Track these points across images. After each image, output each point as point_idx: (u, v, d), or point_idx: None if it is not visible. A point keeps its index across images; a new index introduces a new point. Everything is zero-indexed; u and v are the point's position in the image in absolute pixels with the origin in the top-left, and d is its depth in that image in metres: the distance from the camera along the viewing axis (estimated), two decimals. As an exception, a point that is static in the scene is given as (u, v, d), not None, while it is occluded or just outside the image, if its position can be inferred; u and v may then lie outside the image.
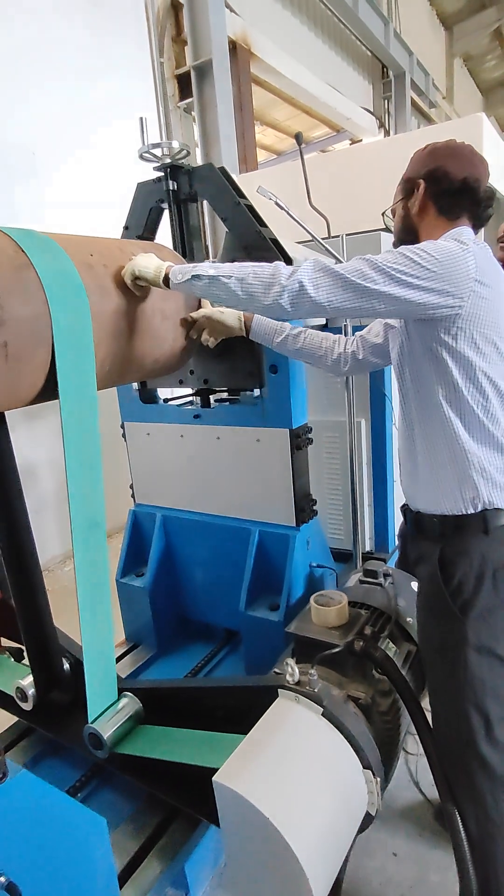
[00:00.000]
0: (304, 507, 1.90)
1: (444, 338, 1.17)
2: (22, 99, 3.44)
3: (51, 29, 3.62)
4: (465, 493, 1.22)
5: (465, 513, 1.22)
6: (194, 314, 1.57)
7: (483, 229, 1.43)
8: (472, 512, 1.22)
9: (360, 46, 7.81)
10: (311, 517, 1.94)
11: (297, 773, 1.18)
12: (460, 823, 1.28)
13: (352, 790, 1.24)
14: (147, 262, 1.30)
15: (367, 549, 2.57)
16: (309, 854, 1.09)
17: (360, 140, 8.76)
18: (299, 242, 2.31)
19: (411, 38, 8.93)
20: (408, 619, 1.65)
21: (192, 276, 1.22)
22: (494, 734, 1.25)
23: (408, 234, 1.35)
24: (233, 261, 1.73)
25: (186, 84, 4.57)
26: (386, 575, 1.80)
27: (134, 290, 1.35)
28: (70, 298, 1.23)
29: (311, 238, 2.03)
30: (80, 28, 3.80)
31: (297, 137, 2.35)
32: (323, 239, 2.09)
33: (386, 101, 8.76)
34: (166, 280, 1.28)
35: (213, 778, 1.14)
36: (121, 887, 1.31)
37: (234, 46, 5.23)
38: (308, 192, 2.19)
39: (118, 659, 2.22)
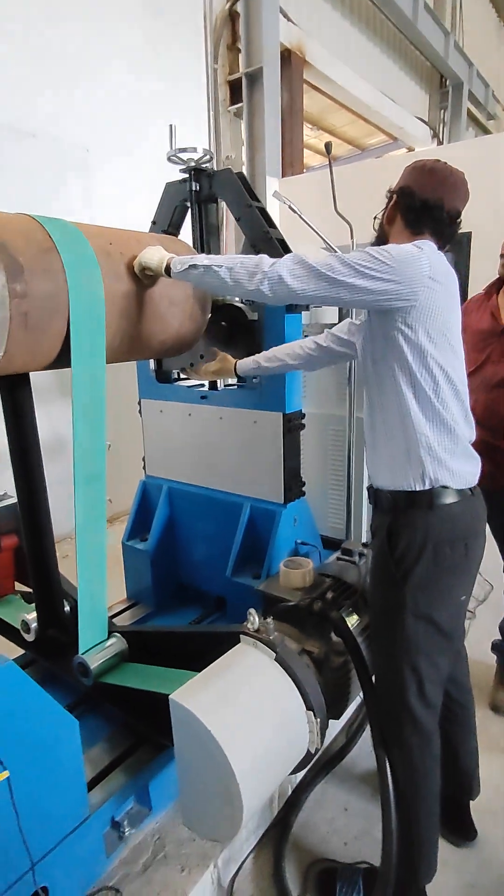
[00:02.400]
0: (293, 487, 2.07)
1: (402, 328, 1.31)
2: (79, 99, 3.72)
3: (110, 34, 3.89)
4: (415, 470, 1.36)
5: (414, 489, 1.37)
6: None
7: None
8: (420, 489, 1.36)
9: (418, 55, 7.85)
10: (298, 496, 2.10)
11: (244, 701, 1.35)
12: (388, 770, 1.42)
13: (293, 725, 1.40)
14: (152, 254, 1.50)
15: (364, 541, 2.71)
16: (244, 769, 1.26)
17: (414, 149, 8.81)
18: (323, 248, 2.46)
19: (474, 49, 8.90)
20: (373, 594, 1.79)
21: (189, 265, 1.41)
22: (425, 691, 1.40)
23: (379, 239, 1.50)
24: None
25: (237, 89, 4.78)
26: (361, 554, 1.95)
27: (143, 279, 1.55)
28: (87, 280, 1.44)
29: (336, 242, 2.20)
30: (139, 34, 4.06)
31: (327, 147, 2.52)
32: (345, 244, 2.24)
33: (442, 112, 8.76)
34: (168, 270, 1.47)
35: (170, 696, 1.33)
36: (89, 790, 1.51)
37: (288, 54, 5.41)
38: (334, 199, 2.34)
39: (119, 613, 2.44)
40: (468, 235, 3.93)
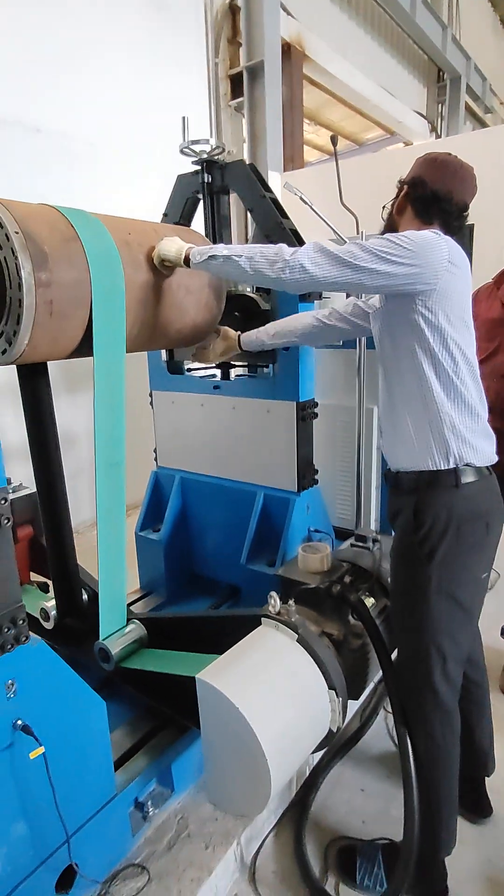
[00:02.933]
0: (306, 475, 2.10)
1: (423, 311, 1.34)
2: (84, 93, 3.73)
3: (113, 30, 3.89)
4: (440, 449, 1.38)
5: (439, 468, 1.39)
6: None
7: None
8: (445, 468, 1.38)
9: (416, 49, 7.86)
10: (311, 484, 2.13)
11: (269, 680, 1.38)
12: (410, 746, 1.46)
13: (316, 703, 1.43)
14: (169, 245, 1.52)
15: (373, 528, 2.74)
16: (271, 745, 1.29)
17: (412, 143, 8.83)
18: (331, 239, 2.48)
19: (471, 42, 8.91)
20: (389, 579, 1.83)
21: (209, 255, 1.43)
22: (447, 669, 1.43)
23: (388, 229, 1.53)
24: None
25: (238, 84, 4.79)
26: (375, 540, 1.99)
27: (161, 269, 1.57)
28: (108, 269, 1.46)
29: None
30: (142, 29, 4.07)
31: (333, 139, 2.54)
32: (352, 236, 2.27)
33: (440, 105, 8.78)
34: (187, 260, 1.49)
35: (197, 675, 1.36)
36: (114, 771, 1.54)
37: (288, 48, 5.41)
38: (340, 192, 2.36)
39: (133, 602, 2.47)
40: (471, 227, 3.96)
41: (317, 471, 2.16)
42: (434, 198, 1.41)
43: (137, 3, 4.05)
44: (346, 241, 2.26)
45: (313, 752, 1.55)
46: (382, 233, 1.54)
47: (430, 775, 1.45)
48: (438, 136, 8.79)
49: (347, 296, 2.52)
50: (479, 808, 1.75)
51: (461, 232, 1.47)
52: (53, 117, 3.58)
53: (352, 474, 2.64)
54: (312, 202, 2.28)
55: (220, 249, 1.42)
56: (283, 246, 1.37)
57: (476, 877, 1.62)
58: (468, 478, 1.39)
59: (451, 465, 1.38)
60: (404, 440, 1.45)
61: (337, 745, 2.04)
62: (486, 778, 1.78)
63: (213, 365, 2.33)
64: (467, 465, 1.39)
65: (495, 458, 1.47)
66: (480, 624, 2.28)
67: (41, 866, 1.28)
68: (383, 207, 1.56)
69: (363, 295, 1.76)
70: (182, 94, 4.51)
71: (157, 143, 3.99)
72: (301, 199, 2.16)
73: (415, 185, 1.44)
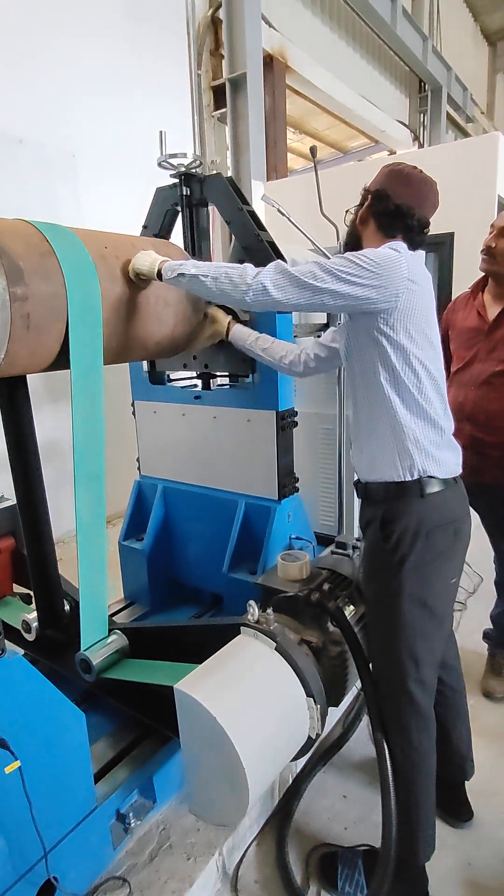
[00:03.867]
0: (286, 483, 2.11)
1: (384, 328, 1.36)
2: (65, 105, 3.75)
3: (95, 41, 3.92)
4: (404, 462, 1.41)
5: (404, 479, 1.42)
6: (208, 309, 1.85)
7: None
8: (410, 479, 1.41)
9: (398, 60, 7.99)
10: (292, 492, 2.15)
11: (247, 688, 1.40)
12: (387, 752, 1.47)
13: (294, 711, 1.45)
14: (144, 259, 1.54)
15: (356, 536, 2.76)
16: (249, 753, 1.30)
17: (395, 152, 8.95)
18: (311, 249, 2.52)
19: (452, 53, 9.07)
20: (367, 585, 1.85)
21: (178, 273, 1.45)
22: (422, 674, 1.45)
23: (352, 238, 1.55)
24: (240, 260, 1.97)
25: (221, 95, 4.84)
26: (354, 547, 2.00)
27: (137, 282, 1.59)
28: (84, 282, 1.47)
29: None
30: (123, 41, 4.10)
31: (312, 151, 2.58)
32: (331, 246, 2.29)
33: (422, 115, 8.92)
34: (160, 274, 1.51)
35: (175, 686, 1.37)
36: (95, 783, 1.54)
37: (270, 59, 5.49)
38: (320, 202, 2.39)
39: (116, 612, 2.46)
40: (451, 236, 4.03)
41: (297, 479, 2.18)
42: (397, 213, 1.44)
43: (119, 16, 4.09)
44: (324, 252, 2.31)
45: (293, 760, 1.55)
46: (346, 242, 1.57)
47: (408, 780, 1.47)
48: (421, 146, 8.92)
49: (329, 317, 2.55)
50: (459, 812, 1.77)
51: (423, 246, 1.50)
52: (35, 129, 3.59)
53: (333, 481, 2.67)
54: (295, 211, 2.31)
55: (189, 267, 1.44)
56: (248, 266, 1.39)
57: (456, 881, 1.63)
58: (433, 488, 1.42)
59: (416, 477, 1.41)
60: (371, 452, 1.47)
61: (319, 753, 2.05)
62: (466, 782, 1.79)
63: (195, 374, 2.35)
64: (431, 476, 1.42)
65: (459, 470, 1.50)
66: (462, 628, 2.30)
67: (20, 881, 1.28)
68: (347, 212, 1.58)
69: (341, 317, 1.79)
70: (166, 105, 4.55)
71: (139, 154, 4.03)
72: (279, 210, 2.20)
73: (379, 198, 1.47)
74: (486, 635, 2.50)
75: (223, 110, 4.87)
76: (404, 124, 8.60)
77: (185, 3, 4.56)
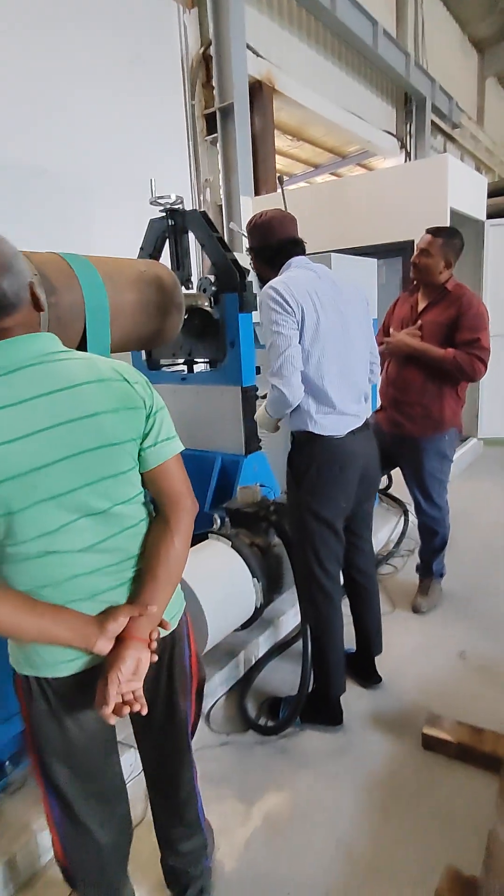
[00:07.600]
0: (251, 442, 2.77)
1: (302, 343, 1.94)
2: (80, 140, 4.42)
3: (105, 85, 4.59)
4: (304, 422, 1.99)
5: (301, 430, 2.02)
6: None
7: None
8: (305, 430, 2.01)
9: (382, 77, 8.58)
10: (256, 449, 2.81)
11: (209, 567, 2.06)
12: (303, 615, 2.13)
13: (243, 585, 2.11)
14: (259, 416, 2.16)
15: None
16: (209, 605, 1.96)
17: (385, 159, 9.56)
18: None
19: (439, 63, 9.63)
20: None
21: (270, 413, 2.06)
22: (325, 566, 2.08)
23: (260, 278, 2.14)
24: (213, 273, 2.64)
25: (213, 122, 5.51)
26: (301, 488, 2.66)
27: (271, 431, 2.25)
28: (96, 294, 2.14)
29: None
30: (128, 82, 4.77)
31: (279, 179, 3.26)
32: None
33: (408, 125, 9.50)
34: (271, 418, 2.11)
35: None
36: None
37: (259, 85, 6.14)
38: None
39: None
40: (411, 242, 4.67)
41: (260, 439, 2.84)
42: (268, 252, 2.03)
43: (125, 63, 4.76)
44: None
45: (244, 627, 2.21)
46: (257, 276, 2.19)
47: (317, 634, 2.12)
48: (409, 153, 9.51)
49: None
50: (370, 678, 2.41)
51: (304, 248, 2.06)
52: (51, 159, 4.26)
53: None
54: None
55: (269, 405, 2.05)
56: (267, 402, 2.04)
57: (366, 715, 2.28)
58: (320, 440, 1.99)
59: (305, 430, 2.00)
60: (292, 414, 2.07)
61: (277, 645, 2.70)
62: (376, 657, 2.43)
63: (181, 361, 3.02)
64: (317, 434, 1.99)
65: (343, 431, 2.02)
66: (409, 567, 2.95)
67: None
68: (247, 250, 2.18)
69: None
70: (165, 132, 5.23)
71: (143, 182, 4.69)
72: (242, 234, 2.85)
73: (255, 254, 2.09)
74: (417, 567, 3.15)
75: (215, 135, 5.53)
76: (392, 134, 9.19)
77: (180, 45, 5.23)
